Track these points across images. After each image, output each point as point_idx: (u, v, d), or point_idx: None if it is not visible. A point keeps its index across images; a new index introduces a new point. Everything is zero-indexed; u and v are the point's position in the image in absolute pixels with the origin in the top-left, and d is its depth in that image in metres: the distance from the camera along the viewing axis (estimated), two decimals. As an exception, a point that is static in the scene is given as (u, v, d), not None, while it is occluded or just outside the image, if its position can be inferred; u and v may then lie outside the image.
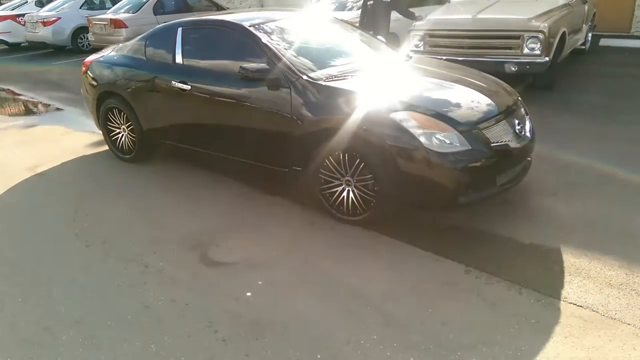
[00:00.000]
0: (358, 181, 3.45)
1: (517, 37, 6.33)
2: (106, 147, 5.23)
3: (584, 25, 8.33)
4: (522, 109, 3.80)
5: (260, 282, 2.94)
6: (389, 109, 3.28)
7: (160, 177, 4.57)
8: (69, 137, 5.97)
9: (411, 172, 3.20)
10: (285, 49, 3.89)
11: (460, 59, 6.42)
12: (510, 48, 6.42)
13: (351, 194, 3.52)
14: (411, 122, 3.21)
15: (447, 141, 3.16)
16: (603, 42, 10.22)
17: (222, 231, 3.54)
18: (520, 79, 6.82)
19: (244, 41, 3.97)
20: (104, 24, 11.27)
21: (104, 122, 5.06)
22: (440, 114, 3.26)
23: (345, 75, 3.74)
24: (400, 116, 3.24)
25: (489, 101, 3.56)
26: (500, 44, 6.47)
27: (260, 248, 3.31)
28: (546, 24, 6.25)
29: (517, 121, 3.58)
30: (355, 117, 3.33)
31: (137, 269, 3.13)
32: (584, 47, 9.04)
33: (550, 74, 6.66)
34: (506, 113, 3.53)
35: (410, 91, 3.55)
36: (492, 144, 3.27)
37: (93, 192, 4.33)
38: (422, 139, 3.15)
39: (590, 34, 9.33)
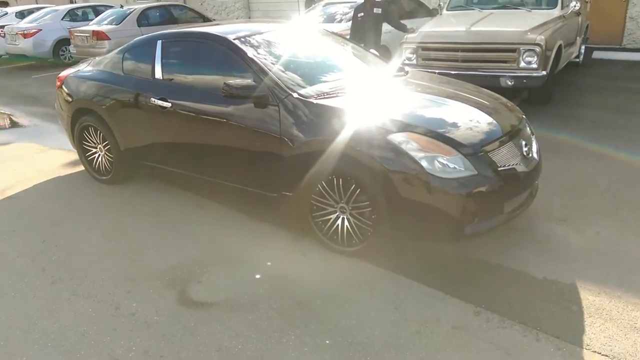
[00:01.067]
0: (354, 208, 3.15)
1: (513, 50, 6.11)
2: (82, 167, 4.88)
3: (577, 38, 8.17)
4: (528, 128, 3.55)
5: (245, 328, 2.62)
6: (386, 130, 3.00)
7: (139, 201, 4.23)
8: (44, 155, 5.61)
9: (412, 199, 2.91)
10: (273, 63, 3.61)
11: (453, 72, 6.17)
12: (506, 61, 6.20)
13: (346, 222, 3.22)
14: (411, 145, 2.92)
15: (451, 165, 2.88)
16: (596, 54, 10.10)
17: (204, 264, 3.21)
18: (515, 93, 6.60)
19: (228, 55, 3.67)
20: (86, 36, 10.93)
21: (79, 141, 4.72)
22: (442, 136, 2.99)
23: (337, 92, 3.46)
24: (398, 138, 2.95)
25: (494, 121, 3.30)
26: (495, 57, 6.25)
27: (245, 285, 2.98)
28: (543, 37, 6.04)
29: (524, 142, 3.32)
30: (349, 139, 3.04)
31: (107, 312, 2.78)
32: (577, 60, 8.88)
33: (547, 88, 6.45)
34: (512, 133, 3.26)
35: (409, 110, 3.28)
36: (499, 168, 2.99)
37: (65, 218, 3.97)
38: (424, 163, 2.86)
39: (583, 47, 9.19)
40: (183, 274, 3.12)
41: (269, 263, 3.21)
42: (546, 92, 6.54)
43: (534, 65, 6.06)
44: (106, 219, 3.92)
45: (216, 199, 4.14)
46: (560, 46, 6.64)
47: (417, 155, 2.88)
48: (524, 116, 3.65)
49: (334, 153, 3.12)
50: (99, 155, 4.62)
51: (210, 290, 2.94)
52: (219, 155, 3.73)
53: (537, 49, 5.98)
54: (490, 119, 3.31)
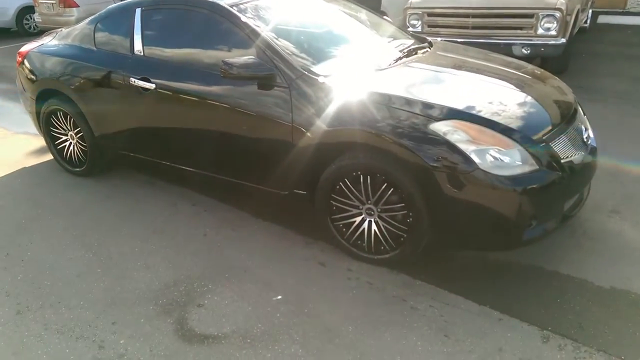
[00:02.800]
0: (384, 211, 2.62)
1: (531, 16, 5.56)
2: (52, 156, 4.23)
3: (589, 1, 7.63)
4: (580, 109, 3.02)
5: (264, 368, 2.11)
6: (427, 117, 2.44)
7: (120, 199, 3.62)
8: (7, 142, 4.92)
9: (459, 201, 2.38)
10: (280, 35, 2.98)
11: (462, 40, 5.60)
12: (521, 28, 5.65)
13: (374, 227, 2.69)
14: (459, 135, 2.38)
15: (508, 159, 2.35)
16: (601, 19, 9.58)
17: (205, 281, 2.67)
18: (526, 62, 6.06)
19: (223, 25, 3.04)
20: (52, 3, 9.96)
21: (46, 127, 4.06)
22: (497, 124, 2.44)
23: (361, 71, 2.88)
24: (443, 127, 2.40)
25: (552, 103, 2.77)
26: (510, 24, 5.69)
27: (257, 308, 2.45)
28: (563, 0, 5.48)
29: (582, 126, 2.80)
30: (380, 128, 2.48)
31: (89, 353, 2.23)
32: (585, 25, 8.36)
33: (565, 56, 5.93)
34: (570, 117, 2.74)
35: (451, 92, 2.72)
36: (562, 160, 2.48)
37: (32, 223, 3.36)
38: (475, 157, 2.33)
39: (590, 11, 8.66)
40: (180, 295, 2.57)
41: (281, 277, 2.68)
42: (563, 61, 6.01)
43: (553, 32, 5.52)
44: (82, 223, 3.32)
45: (214, 195, 3.57)
46: (577, 10, 6.10)
47: (467, 148, 2.34)
48: (574, 94, 3.12)
49: (360, 145, 2.57)
50: (71, 143, 3.98)
51: (215, 317, 2.40)
52: (216, 146, 3.14)
53: (558, 14, 5.43)
54: (547, 102, 2.79)
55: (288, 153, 2.79)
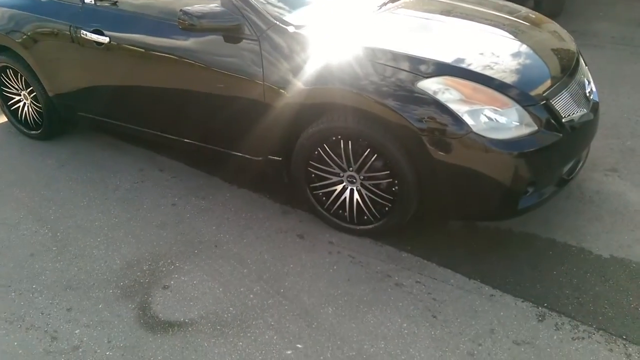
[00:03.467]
0: (367, 178, 2.37)
1: (525, -46, 5.13)
2: (5, 118, 3.88)
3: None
4: (582, 58, 2.75)
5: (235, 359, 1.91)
6: (415, 73, 2.15)
7: (80, 164, 3.32)
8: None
9: (451, 167, 2.14)
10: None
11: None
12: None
13: (356, 196, 2.45)
14: (451, 94, 2.11)
15: (504, 120, 2.10)
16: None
17: (171, 259, 2.43)
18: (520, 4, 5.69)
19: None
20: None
21: (-4, 86, 3.68)
22: (491, 80, 2.17)
23: (341, 20, 2.55)
24: (433, 85, 2.12)
25: (551, 54, 2.49)
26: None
27: (229, 288, 2.24)
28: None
29: (585, 79, 2.54)
30: (362, 87, 2.19)
31: (40, 345, 2.02)
32: (580, -37, 7.89)
33: (560, -3, 5.57)
34: (573, 69, 2.47)
35: (440, 43, 2.42)
36: (563, 120, 2.23)
37: (-16, 193, 3.07)
38: (468, 119, 2.07)
39: (585, -52, 8.16)
40: (144, 275, 2.34)
41: (255, 252, 2.45)
42: (558, 2, 5.65)
43: (548, -29, 5.14)
44: (38, 193, 3.03)
45: (184, 160, 3.28)
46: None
47: (460, 108, 2.08)
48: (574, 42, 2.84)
49: (340, 106, 2.29)
50: (25, 104, 3.62)
51: (182, 301, 2.18)
52: (179, 108, 2.83)
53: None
54: (546, 51, 2.51)
55: (260, 115, 2.50)
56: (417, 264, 2.34)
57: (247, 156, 2.72)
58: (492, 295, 2.15)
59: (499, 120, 2.09)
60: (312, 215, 2.66)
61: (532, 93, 2.18)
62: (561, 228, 2.51)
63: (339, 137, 2.34)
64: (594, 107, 2.50)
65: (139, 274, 2.35)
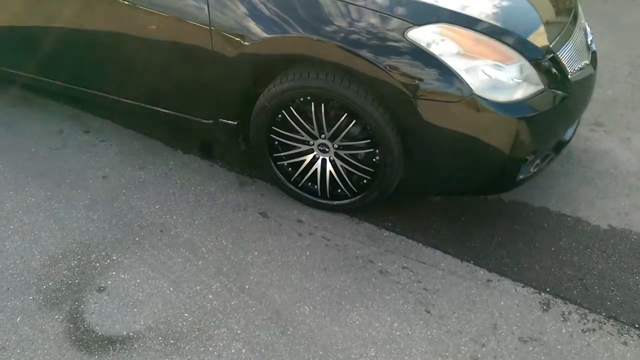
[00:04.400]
0: (342, 148, 1.99)
1: None
2: None
3: None
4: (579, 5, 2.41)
5: (196, 382, 1.56)
6: (404, 19, 1.74)
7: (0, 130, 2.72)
8: None
9: (444, 136, 1.79)
10: None
11: None
12: None
13: (329, 167, 2.07)
14: (447, 46, 1.72)
15: (508, 77, 1.75)
16: None
17: (107, 250, 1.99)
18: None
19: None
20: None
21: None
22: (495, 29, 1.79)
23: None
24: (426, 35, 1.73)
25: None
26: None
27: (181, 288, 1.85)
28: None
29: (587, 28, 2.22)
30: (336, 37, 1.76)
31: (-62, 381, 1.57)
32: None
33: None
34: (575, 17, 2.13)
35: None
36: (569, 76, 1.91)
37: None
38: (467, 77, 1.70)
39: None
40: (72, 275, 1.89)
41: (209, 235, 2.06)
42: None
43: None
44: None
45: (115, 118, 2.75)
46: None
47: (458, 64, 1.70)
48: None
49: (308, 60, 1.86)
50: None
51: (123, 308, 1.77)
52: (106, 57, 2.28)
53: None
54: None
55: (207, 67, 2.02)
56: (401, 244, 2.03)
57: (193, 118, 2.25)
58: (488, 280, 1.89)
59: (501, 79, 1.74)
60: (274, 187, 2.27)
61: (539, 45, 1.83)
62: (552, 195, 2.27)
63: (308, 98, 1.92)
64: (594, 58, 2.20)
65: (66, 272, 1.90)
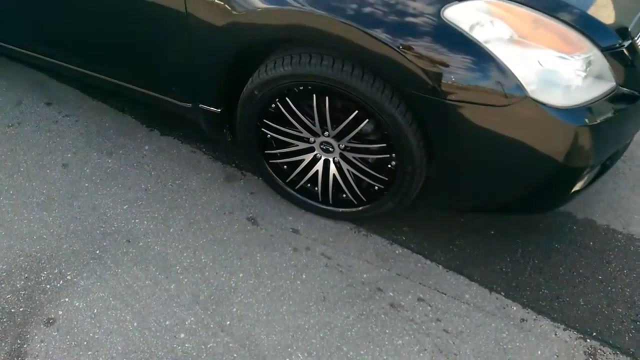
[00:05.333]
0: (351, 149, 1.60)
1: None
2: None
3: None
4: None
5: None
6: (439, -7, 1.30)
7: None
8: None
9: (488, 146, 1.40)
10: None
11: None
12: None
13: (333, 169, 1.68)
14: (496, 29, 1.29)
15: (573, 73, 1.32)
16: None
17: (60, 267, 1.65)
18: None
19: None
20: None
21: None
22: (559, 7, 1.34)
23: None
24: (469, 13, 1.29)
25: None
26: None
27: (147, 323, 1.51)
28: None
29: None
30: (352, 14, 1.33)
31: None
32: None
33: None
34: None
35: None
36: (645, 68, 1.48)
37: None
38: (521, 72, 1.28)
39: None
40: (17, 301, 1.55)
41: (190, 251, 1.70)
42: None
43: None
44: None
45: (81, 87, 2.34)
46: None
47: (509, 54, 1.28)
48: None
49: (310, 39, 1.43)
50: None
51: (73, 349, 1.44)
52: (81, 29, 1.85)
53: None
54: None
55: (181, 42, 1.60)
56: (417, 267, 1.67)
57: (169, 100, 1.84)
58: (523, 320, 1.55)
59: (564, 75, 1.32)
60: (264, 187, 1.89)
61: (613, 30, 1.39)
62: (599, 204, 1.90)
63: (309, 88, 1.50)
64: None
65: (9, 297, 1.56)
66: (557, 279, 1.65)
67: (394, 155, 1.53)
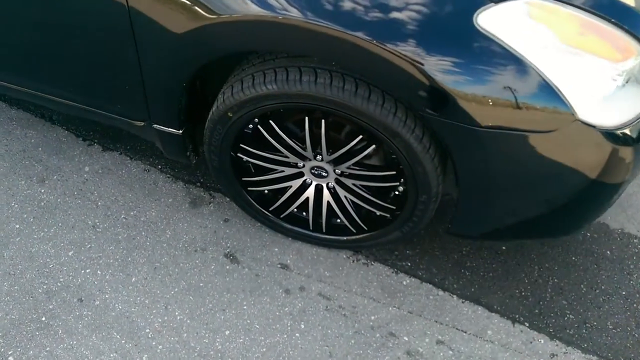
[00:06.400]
0: (349, 176, 1.32)
1: None
2: None
3: None
4: None
5: None
6: (472, -7, 1.01)
7: None
8: None
9: (523, 175, 1.17)
10: None
11: None
12: None
13: (327, 195, 1.41)
14: (537, 35, 1.03)
15: (625, 85, 1.10)
16: None
17: (1, 337, 1.31)
18: None
19: None
20: None
21: None
22: (616, 8, 1.09)
23: None
24: (505, 18, 1.01)
25: None
26: None
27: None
28: None
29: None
30: (358, 22, 1.02)
31: None
32: None
33: None
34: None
35: None
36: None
37: None
38: (566, 88, 1.03)
39: None
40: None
41: (158, 307, 1.40)
42: None
43: None
44: None
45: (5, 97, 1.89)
46: None
47: (553, 66, 1.02)
48: None
49: (309, 55, 1.12)
50: None
51: None
52: (14, 36, 1.41)
53: None
54: None
55: (123, 52, 1.23)
56: (429, 300, 1.46)
57: (120, 118, 1.47)
58: (553, 355, 1.38)
59: (615, 89, 1.09)
60: (238, 211, 1.60)
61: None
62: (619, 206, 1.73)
63: (300, 109, 1.20)
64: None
65: None
66: (581, 299, 1.49)
67: (402, 181, 1.28)
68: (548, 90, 1.03)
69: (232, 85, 1.21)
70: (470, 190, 1.22)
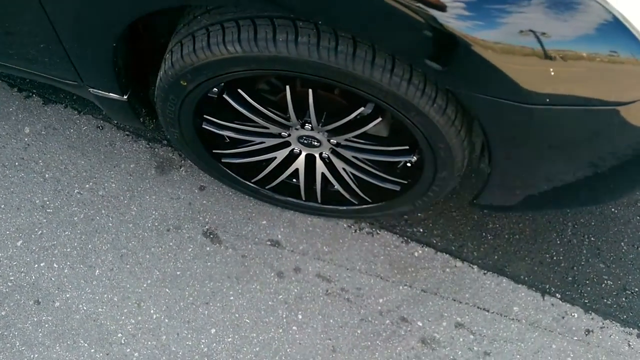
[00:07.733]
0: (348, 148, 1.03)
1: None
2: None
3: None
4: None
5: None
6: None
7: None
8: None
9: (582, 149, 0.89)
10: None
11: None
12: None
13: (320, 166, 1.13)
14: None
15: None
16: None
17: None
18: None
19: None
20: None
21: None
22: None
23: None
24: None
25: None
26: None
27: None
28: None
29: None
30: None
31: None
32: None
33: None
34: None
35: None
36: None
37: None
38: None
39: None
40: None
41: (138, 307, 1.20)
42: None
43: None
44: None
45: None
46: None
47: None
48: None
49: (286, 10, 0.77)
50: None
51: None
52: None
53: None
54: None
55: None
56: (445, 273, 1.25)
57: (57, 79, 1.13)
58: (588, 331, 1.21)
59: None
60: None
61: None
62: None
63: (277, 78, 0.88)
64: None
65: None
66: (621, 260, 1.29)
67: (417, 156, 1.00)
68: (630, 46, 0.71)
69: (180, 42, 0.87)
70: (507, 164, 0.95)
